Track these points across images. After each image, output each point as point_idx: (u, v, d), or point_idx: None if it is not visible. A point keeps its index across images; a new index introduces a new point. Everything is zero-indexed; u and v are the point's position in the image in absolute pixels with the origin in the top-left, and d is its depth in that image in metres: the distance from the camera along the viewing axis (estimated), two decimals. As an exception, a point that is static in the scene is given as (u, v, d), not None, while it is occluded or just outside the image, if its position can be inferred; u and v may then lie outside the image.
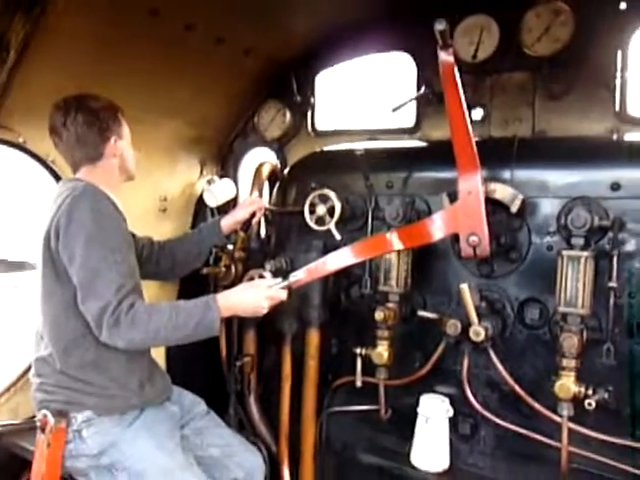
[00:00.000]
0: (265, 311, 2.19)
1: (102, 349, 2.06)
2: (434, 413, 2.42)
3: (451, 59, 2.00)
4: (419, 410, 2.45)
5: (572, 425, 2.11)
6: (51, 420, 1.98)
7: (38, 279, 2.12)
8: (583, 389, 2.04)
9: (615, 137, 2.49)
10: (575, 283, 2.07)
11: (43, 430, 1.99)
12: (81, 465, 2.14)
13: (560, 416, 2.10)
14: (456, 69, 2.02)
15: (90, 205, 2.01)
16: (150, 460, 2.10)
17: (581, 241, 2.09)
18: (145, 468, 2.09)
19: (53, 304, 2.09)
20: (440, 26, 1.87)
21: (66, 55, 2.32)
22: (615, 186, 2.17)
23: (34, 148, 2.46)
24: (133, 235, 2.43)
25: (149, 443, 2.12)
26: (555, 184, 2.31)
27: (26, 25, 2.06)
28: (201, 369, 3.13)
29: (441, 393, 2.49)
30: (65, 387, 2.10)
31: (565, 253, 2.10)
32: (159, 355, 2.87)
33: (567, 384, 2.04)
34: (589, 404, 2.00)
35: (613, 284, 2.04)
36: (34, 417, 2.12)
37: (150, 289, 2.84)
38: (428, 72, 2.80)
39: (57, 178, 2.58)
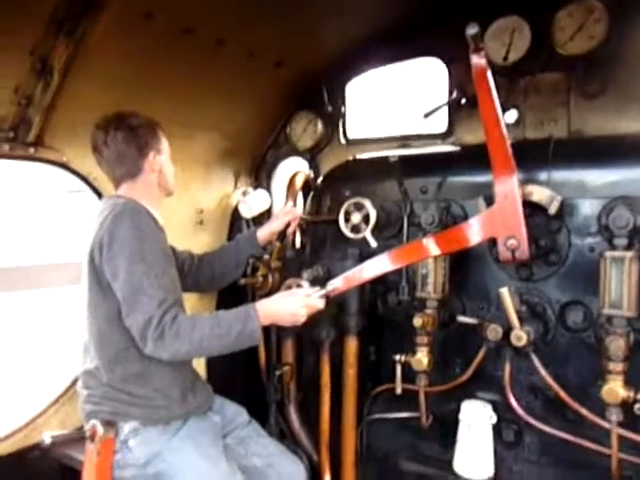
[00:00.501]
0: (303, 319, 2.20)
1: (146, 361, 2.11)
2: (477, 419, 2.39)
3: (484, 62, 1.99)
4: (461, 416, 2.43)
5: (622, 431, 2.06)
6: (100, 430, 2.03)
7: (83, 293, 2.19)
8: (632, 393, 1.98)
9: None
10: (620, 284, 2.03)
11: (92, 439, 2.04)
12: (128, 475, 2.18)
13: (609, 421, 2.05)
14: (489, 72, 2.02)
15: (131, 222, 2.07)
16: (194, 469, 2.13)
17: (624, 241, 2.04)
18: (190, 477, 2.13)
19: (98, 318, 2.16)
20: (472, 30, 1.87)
21: (106, 75, 2.39)
22: None
23: (77, 167, 2.55)
24: (173, 249, 2.49)
25: (193, 452, 2.16)
26: (594, 184, 2.27)
27: (69, 47, 2.13)
28: (241, 379, 3.16)
29: (483, 399, 2.46)
30: (112, 399, 2.15)
31: (608, 254, 2.05)
32: (200, 366, 2.91)
33: (615, 388, 1.99)
34: (639, 409, 1.95)
35: None
36: (82, 428, 2.18)
37: (189, 301, 2.89)
38: (459, 76, 2.79)
39: (99, 195, 2.66)
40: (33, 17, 2.02)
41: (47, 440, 2.14)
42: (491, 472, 2.41)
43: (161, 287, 2.03)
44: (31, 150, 2.36)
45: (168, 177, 2.36)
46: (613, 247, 2.07)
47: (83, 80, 2.30)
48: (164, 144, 2.34)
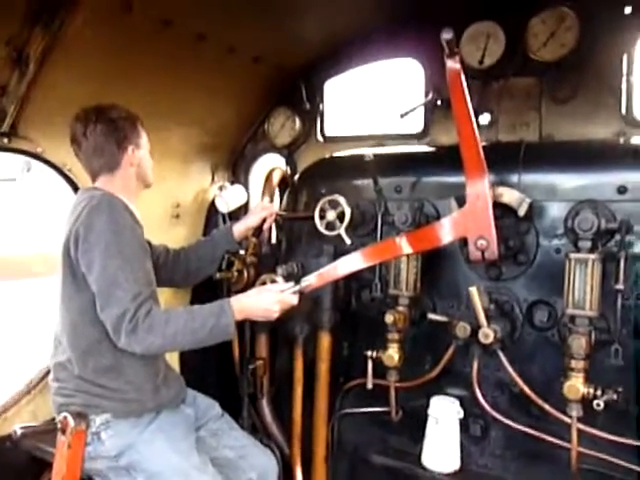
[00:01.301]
0: (277, 315, 2.23)
1: (118, 354, 2.12)
2: (444, 414, 2.45)
3: (458, 67, 2.04)
4: (430, 411, 2.49)
5: (581, 426, 2.13)
6: (71, 422, 2.03)
7: (58, 285, 2.18)
8: (592, 390, 2.06)
9: (622, 140, 2.52)
10: (583, 285, 2.10)
11: (64, 432, 2.04)
12: (100, 467, 2.19)
13: (569, 417, 2.12)
14: (463, 76, 2.06)
15: (107, 215, 2.06)
16: (166, 462, 2.15)
17: (588, 244, 2.11)
18: (162, 470, 2.14)
19: (71, 310, 2.15)
20: (447, 35, 1.91)
21: (83, 67, 2.38)
22: (622, 189, 2.20)
23: (52, 157, 2.53)
24: (149, 243, 2.49)
25: (165, 445, 2.17)
26: (562, 187, 2.34)
27: (45, 38, 2.12)
28: (214, 373, 3.18)
29: (451, 395, 2.52)
30: (83, 391, 2.15)
31: (573, 256, 2.12)
32: (173, 360, 2.92)
33: (576, 385, 2.06)
34: (597, 405, 2.02)
35: (620, 286, 2.06)
36: (54, 420, 2.18)
37: (163, 295, 2.89)
38: (436, 78, 2.83)
39: (75, 187, 2.64)
40: (9, 8, 2.00)
41: (18, 432, 2.13)
42: (457, 465, 2.48)
43: (136, 281, 2.04)
44: (4, 140, 2.34)
45: (147, 170, 2.36)
46: (578, 249, 2.14)
47: (59, 71, 2.28)
48: (144, 138, 2.33)
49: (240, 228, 2.71)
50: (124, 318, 1.98)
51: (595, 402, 2.02)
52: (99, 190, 2.21)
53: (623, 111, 2.55)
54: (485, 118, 2.79)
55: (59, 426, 2.05)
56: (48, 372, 2.33)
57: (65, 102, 2.37)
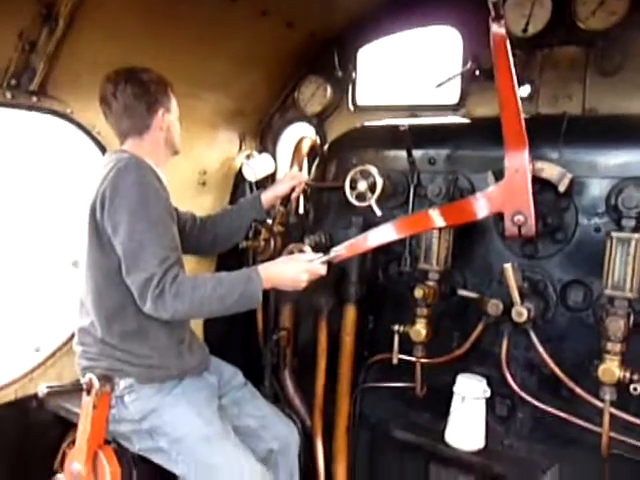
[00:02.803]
0: (304, 285, 2.20)
1: (142, 319, 2.10)
2: (470, 392, 2.40)
3: (503, 31, 1.93)
4: (455, 389, 2.44)
5: (614, 410, 2.07)
6: (96, 383, 2.04)
7: (84, 248, 2.17)
8: (628, 374, 1.99)
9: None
10: (624, 266, 2.02)
11: (89, 392, 2.05)
12: (123, 429, 2.21)
13: (602, 400, 2.06)
14: (508, 42, 1.96)
15: (134, 177, 2.03)
16: (189, 427, 2.15)
17: (632, 223, 2.02)
18: (184, 434, 2.15)
19: (96, 274, 2.14)
20: None
21: (113, 27, 2.33)
22: None
23: (80, 119, 2.50)
24: (176, 210, 2.46)
25: (188, 411, 2.17)
26: (605, 164, 2.24)
27: (75, -5, 2.08)
28: (238, 341, 3.18)
29: (479, 373, 2.46)
30: (107, 355, 2.16)
31: (615, 235, 2.04)
32: (197, 328, 2.92)
33: (611, 368, 2.00)
34: (635, 389, 1.96)
35: None
36: (79, 381, 2.19)
37: (189, 263, 2.86)
38: (475, 47, 2.72)
39: (103, 150, 2.61)
40: None
41: (44, 391, 2.16)
42: (482, 444, 2.44)
43: (163, 245, 2.01)
44: (34, 99, 2.31)
45: (175, 136, 2.33)
46: (620, 228, 2.05)
47: (88, 31, 2.25)
48: (174, 104, 2.30)
49: (268, 196, 2.66)
50: (151, 283, 1.96)
51: (632, 386, 1.96)
52: (126, 152, 2.18)
53: (672, 85, 2.42)
54: (525, 90, 2.67)
55: (84, 387, 2.06)
56: (73, 335, 2.34)
57: (93, 63, 2.34)
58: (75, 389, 2.20)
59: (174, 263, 2.02)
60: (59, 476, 2.24)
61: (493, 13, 1.88)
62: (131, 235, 1.99)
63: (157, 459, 2.22)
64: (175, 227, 2.18)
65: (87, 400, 2.08)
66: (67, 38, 2.21)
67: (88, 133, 2.57)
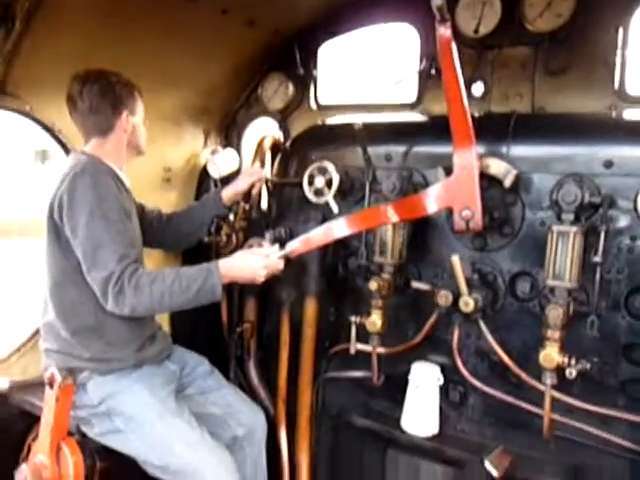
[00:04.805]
0: (263, 279, 2.27)
1: (100, 316, 2.17)
2: (424, 380, 2.50)
3: (448, 34, 2.02)
4: (410, 377, 2.54)
5: (555, 393, 2.18)
6: (58, 377, 2.08)
7: (43, 246, 2.21)
8: (566, 359, 2.10)
9: (613, 115, 2.51)
10: (564, 257, 2.11)
11: (51, 386, 2.10)
12: (83, 414, 2.27)
13: (544, 384, 2.18)
14: (454, 44, 2.04)
15: (91, 180, 2.09)
16: (143, 405, 2.22)
17: (571, 216, 2.12)
18: (138, 412, 2.21)
19: (55, 272, 2.20)
20: (438, 1, 1.89)
21: (71, 24, 2.35)
22: (608, 164, 2.20)
23: (40, 116, 2.52)
24: (142, 207, 2.51)
25: (143, 391, 2.24)
26: (550, 160, 2.33)
27: (31, -4, 2.10)
28: (204, 333, 3.23)
29: (433, 362, 2.56)
30: (67, 351, 2.22)
31: (555, 228, 2.14)
32: (163, 319, 2.97)
33: (551, 354, 2.10)
34: (570, 373, 2.06)
35: (598, 259, 2.09)
36: (42, 376, 2.23)
37: (154, 258, 2.94)
38: (431, 45, 2.79)
39: (66, 149, 2.64)
40: None
41: (7, 385, 2.19)
42: (436, 429, 2.54)
43: (121, 243, 2.07)
44: None
45: (140, 139, 2.38)
46: (561, 221, 2.15)
47: (47, 29, 2.27)
48: (139, 107, 2.35)
49: (228, 193, 2.72)
50: (110, 280, 2.02)
51: (568, 370, 2.07)
52: (86, 154, 2.22)
53: (616, 85, 2.52)
54: (478, 88, 2.76)
55: (46, 381, 2.11)
56: (38, 331, 2.38)
57: (55, 62, 2.36)
58: (39, 383, 2.24)
59: (133, 260, 2.08)
60: (23, 466, 2.29)
61: (438, 16, 1.96)
62: (89, 235, 2.05)
63: (116, 443, 2.26)
64: (134, 224, 2.23)
65: (50, 394, 2.13)
66: (24, 38, 2.23)
67: (49, 131, 2.60)
